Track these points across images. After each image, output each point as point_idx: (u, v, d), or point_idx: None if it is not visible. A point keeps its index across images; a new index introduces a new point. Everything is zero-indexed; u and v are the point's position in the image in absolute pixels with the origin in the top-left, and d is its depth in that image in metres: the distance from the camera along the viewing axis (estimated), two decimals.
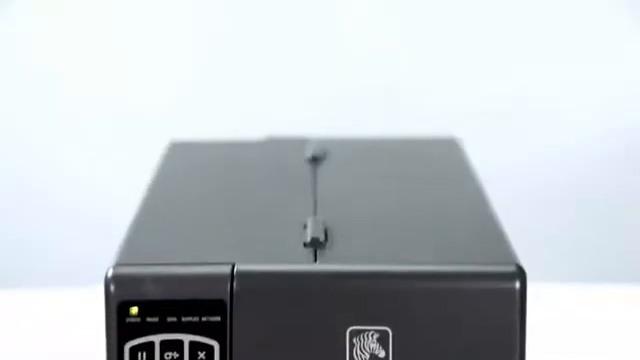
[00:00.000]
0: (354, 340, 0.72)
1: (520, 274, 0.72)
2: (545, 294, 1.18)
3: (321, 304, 0.72)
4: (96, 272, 0.81)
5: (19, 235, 1.78)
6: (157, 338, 0.72)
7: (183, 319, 0.72)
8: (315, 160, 0.98)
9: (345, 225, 0.81)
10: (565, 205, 1.76)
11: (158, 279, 0.72)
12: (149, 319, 0.72)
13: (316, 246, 0.77)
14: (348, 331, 0.72)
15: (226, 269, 0.72)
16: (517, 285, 0.71)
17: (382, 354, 0.72)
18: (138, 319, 0.72)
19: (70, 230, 1.77)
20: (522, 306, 0.72)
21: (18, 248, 1.77)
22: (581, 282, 1.41)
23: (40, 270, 1.73)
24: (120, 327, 0.72)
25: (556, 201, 1.76)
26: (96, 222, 1.73)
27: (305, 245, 0.77)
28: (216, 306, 0.72)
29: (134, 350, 0.72)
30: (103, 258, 0.79)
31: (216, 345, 0.72)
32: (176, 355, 0.72)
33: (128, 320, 0.72)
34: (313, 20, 1.74)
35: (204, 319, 0.72)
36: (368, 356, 0.72)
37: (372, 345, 0.72)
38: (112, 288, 0.72)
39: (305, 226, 0.80)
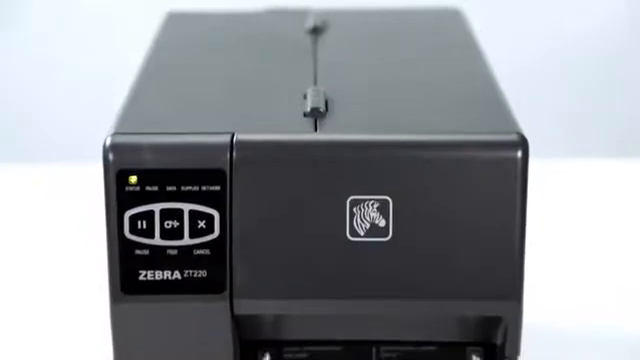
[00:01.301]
0: (354, 209, 0.72)
1: (522, 143, 0.71)
2: (546, 169, 1.18)
3: (321, 173, 0.72)
4: (94, 147, 0.81)
5: (19, 110, 1.77)
6: (157, 207, 0.72)
7: (182, 188, 0.71)
8: (315, 31, 0.96)
9: (345, 95, 0.80)
10: (568, 78, 1.75)
11: (157, 148, 0.71)
12: (148, 188, 0.71)
13: (316, 116, 0.76)
14: (348, 200, 0.72)
15: (225, 138, 0.72)
16: (519, 154, 0.71)
17: (382, 223, 0.72)
18: (137, 188, 0.71)
19: (68, 103, 1.76)
20: (524, 175, 0.71)
21: (18, 123, 1.77)
22: (583, 157, 1.41)
23: (40, 144, 1.72)
24: (119, 196, 0.71)
25: (558, 74, 1.74)
26: (94, 93, 1.72)
27: (305, 115, 0.76)
28: (216, 175, 0.71)
29: (134, 219, 0.72)
30: (102, 132, 0.78)
31: (216, 214, 0.72)
32: (176, 224, 0.72)
33: (127, 189, 0.71)
34: None
35: (204, 188, 0.72)
36: (368, 225, 0.72)
37: (372, 214, 0.72)
38: (110, 157, 0.71)
39: (305, 96, 0.79)
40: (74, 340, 0.97)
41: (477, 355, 0.77)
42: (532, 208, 0.74)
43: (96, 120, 1.12)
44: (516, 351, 0.75)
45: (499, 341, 0.75)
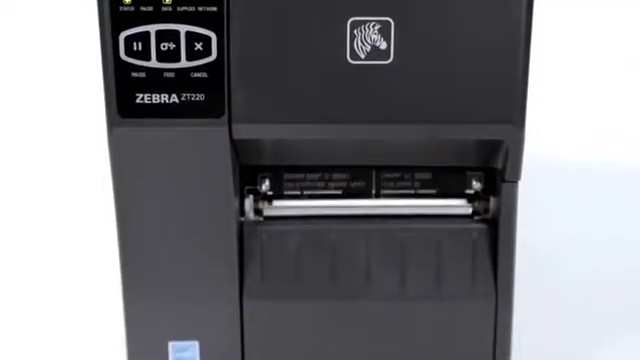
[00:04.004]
0: (355, 31, 0.70)
1: None
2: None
3: None
4: None
5: None
6: (152, 28, 0.70)
7: (178, 8, 0.69)
8: None
9: None
10: None
11: None
12: (143, 8, 0.69)
13: None
14: (349, 22, 0.70)
15: None
16: None
17: (383, 46, 0.71)
18: (132, 8, 0.69)
19: None
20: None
21: None
22: None
23: None
24: (113, 16, 0.69)
25: None
26: None
27: None
28: None
29: (129, 40, 0.70)
30: None
31: (213, 36, 0.70)
32: (172, 46, 0.70)
33: (121, 9, 0.69)
34: None
35: (200, 9, 0.70)
36: (369, 48, 0.71)
37: (373, 36, 0.70)
38: None
39: None
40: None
41: (477, 180, 0.77)
42: (537, 37, 0.73)
43: None
44: (516, 176, 0.74)
45: (499, 165, 0.75)
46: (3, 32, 1.29)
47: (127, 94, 0.71)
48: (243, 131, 0.72)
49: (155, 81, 0.71)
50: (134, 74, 0.71)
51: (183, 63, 0.70)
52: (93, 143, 1.01)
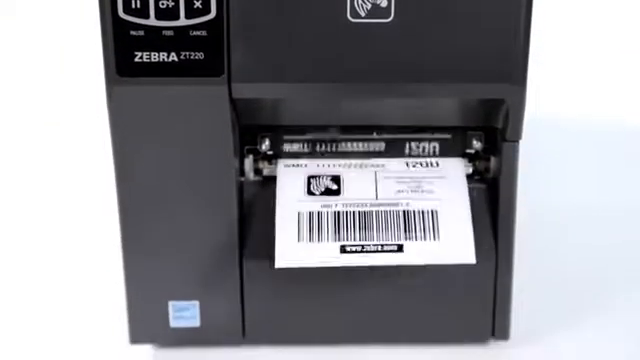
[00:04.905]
0: None
1: None
2: None
3: None
4: None
5: None
6: None
7: None
8: None
9: None
10: None
11: None
12: None
13: None
14: None
15: None
16: None
17: (384, 3, 0.70)
18: None
19: None
20: None
21: None
22: None
23: None
24: None
25: None
26: None
27: None
28: None
29: None
30: None
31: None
32: (171, 3, 0.70)
33: None
34: None
35: None
36: (369, 6, 0.70)
37: None
38: None
39: None
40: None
41: (477, 139, 0.76)
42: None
43: None
44: (517, 135, 0.74)
45: (500, 125, 0.74)
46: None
47: (126, 53, 0.70)
48: (242, 90, 0.72)
49: (154, 39, 0.70)
50: (133, 32, 0.70)
51: (182, 21, 0.70)
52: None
